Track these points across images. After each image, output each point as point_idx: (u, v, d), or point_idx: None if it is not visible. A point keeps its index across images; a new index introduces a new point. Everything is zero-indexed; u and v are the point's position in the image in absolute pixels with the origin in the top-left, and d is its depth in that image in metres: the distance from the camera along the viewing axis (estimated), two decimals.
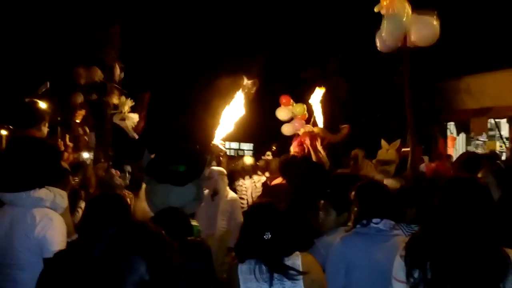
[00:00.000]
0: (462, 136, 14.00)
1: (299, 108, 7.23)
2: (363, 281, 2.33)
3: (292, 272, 2.12)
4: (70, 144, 4.81)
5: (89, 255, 1.37)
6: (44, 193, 2.52)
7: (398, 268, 1.90)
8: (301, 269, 2.14)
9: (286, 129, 7.38)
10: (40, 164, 2.52)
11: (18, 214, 2.47)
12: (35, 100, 3.01)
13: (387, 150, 5.53)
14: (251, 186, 6.53)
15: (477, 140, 13.11)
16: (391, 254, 1.99)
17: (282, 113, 7.44)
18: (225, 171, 5.45)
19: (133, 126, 7.45)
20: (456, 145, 12.56)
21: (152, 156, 3.47)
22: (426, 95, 11.98)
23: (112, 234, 1.30)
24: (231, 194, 5.41)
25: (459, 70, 11.70)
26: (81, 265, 1.74)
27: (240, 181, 6.54)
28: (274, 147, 13.80)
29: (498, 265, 1.74)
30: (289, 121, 7.36)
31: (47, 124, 2.77)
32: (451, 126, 14.23)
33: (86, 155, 7.29)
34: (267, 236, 2.16)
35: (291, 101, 7.38)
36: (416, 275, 1.82)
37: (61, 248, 2.45)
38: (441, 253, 1.80)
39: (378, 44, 4.95)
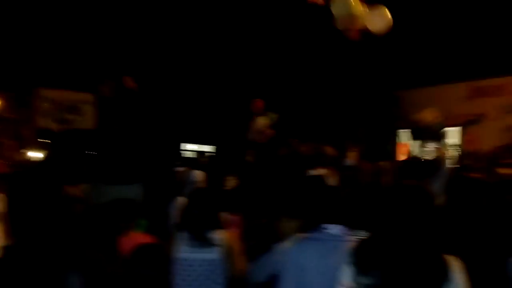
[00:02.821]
0: (415, 143, 14.47)
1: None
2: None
3: (209, 242, 2.83)
4: None
5: None
6: None
7: (344, 274, 1.94)
8: (218, 243, 2.85)
9: None
10: None
11: None
12: None
13: None
14: None
15: (427, 147, 13.61)
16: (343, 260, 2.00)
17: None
18: None
19: None
20: (412, 152, 12.98)
21: None
22: (382, 103, 12.40)
23: None
24: None
25: (414, 81, 12.17)
26: None
27: None
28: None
29: (436, 273, 1.80)
30: None
31: None
32: (403, 133, 14.75)
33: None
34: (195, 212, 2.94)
35: None
36: (362, 281, 1.85)
37: None
38: (384, 259, 1.85)
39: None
